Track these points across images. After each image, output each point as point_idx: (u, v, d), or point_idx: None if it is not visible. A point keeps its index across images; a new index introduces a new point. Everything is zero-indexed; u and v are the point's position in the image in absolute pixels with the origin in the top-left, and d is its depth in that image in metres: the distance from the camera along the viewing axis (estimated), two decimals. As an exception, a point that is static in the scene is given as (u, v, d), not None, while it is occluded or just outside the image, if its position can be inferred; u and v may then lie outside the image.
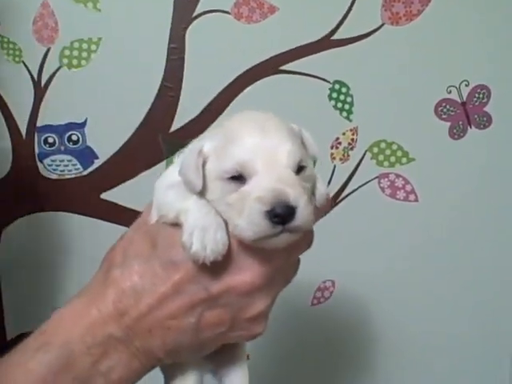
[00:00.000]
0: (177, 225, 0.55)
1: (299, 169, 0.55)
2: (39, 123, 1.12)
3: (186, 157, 0.57)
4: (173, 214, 0.56)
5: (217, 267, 0.54)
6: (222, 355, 0.67)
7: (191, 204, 0.55)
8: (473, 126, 1.17)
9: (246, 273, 0.56)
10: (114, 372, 0.56)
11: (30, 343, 0.56)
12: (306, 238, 0.60)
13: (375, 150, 1.17)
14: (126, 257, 0.58)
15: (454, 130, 1.17)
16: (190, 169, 0.55)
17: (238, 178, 0.53)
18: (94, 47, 1.09)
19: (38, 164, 1.13)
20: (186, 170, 0.56)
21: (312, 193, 0.59)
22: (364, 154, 1.17)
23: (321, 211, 0.61)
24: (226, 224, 0.55)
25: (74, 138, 1.12)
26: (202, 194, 0.56)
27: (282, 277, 0.60)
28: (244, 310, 0.57)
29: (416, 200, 1.19)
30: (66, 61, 1.10)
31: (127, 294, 0.56)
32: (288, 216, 0.51)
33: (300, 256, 0.63)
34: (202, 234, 0.53)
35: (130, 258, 0.57)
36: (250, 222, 0.51)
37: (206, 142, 0.56)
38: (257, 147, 0.53)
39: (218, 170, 0.54)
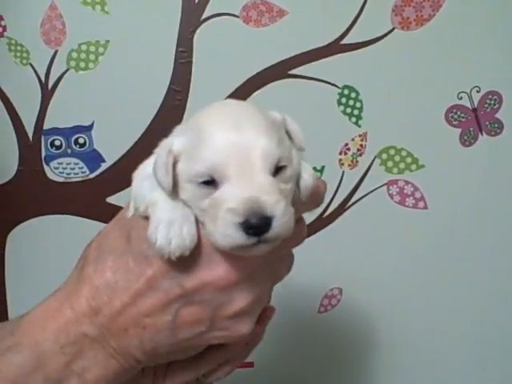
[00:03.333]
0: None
1: (278, 169, 0.51)
2: (46, 126, 1.11)
3: (157, 155, 0.54)
4: (144, 207, 0.53)
5: (190, 262, 0.52)
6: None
7: (159, 195, 0.53)
8: (484, 133, 1.15)
9: (220, 267, 0.53)
10: (89, 372, 0.54)
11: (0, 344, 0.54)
12: (296, 232, 0.56)
13: (384, 156, 1.15)
14: (100, 252, 0.56)
15: (465, 137, 1.15)
16: (160, 169, 0.52)
17: (211, 182, 0.50)
18: (101, 50, 1.09)
19: (45, 167, 1.13)
20: (156, 170, 0.53)
21: (296, 184, 0.55)
22: (373, 161, 1.15)
23: (307, 205, 0.58)
24: (196, 217, 0.52)
25: (81, 141, 1.12)
26: (175, 192, 0.53)
27: (268, 272, 0.57)
28: (223, 308, 0.55)
29: (425, 207, 1.17)
30: (73, 63, 1.09)
31: (100, 291, 0.54)
32: (263, 226, 0.48)
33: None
34: (167, 228, 0.50)
35: (104, 254, 0.55)
36: (222, 233, 0.49)
37: (175, 140, 0.53)
38: (228, 148, 0.49)
39: (189, 174, 0.51)
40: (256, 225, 0.48)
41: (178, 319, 0.54)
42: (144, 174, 0.56)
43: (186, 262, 0.52)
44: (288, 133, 0.56)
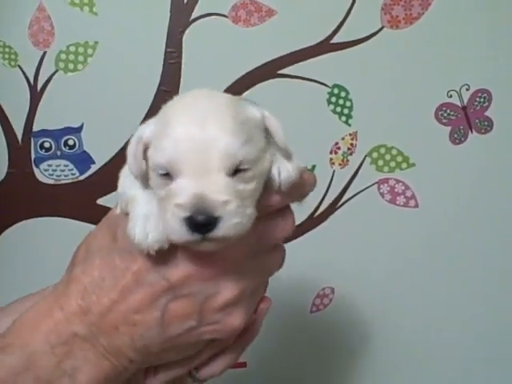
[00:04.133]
0: None
1: (239, 170, 0.50)
2: (35, 128, 1.11)
3: (130, 142, 0.55)
4: (125, 203, 0.54)
5: (172, 254, 0.53)
6: None
7: (137, 191, 0.54)
8: (474, 131, 1.16)
9: (201, 258, 0.53)
10: (80, 372, 0.54)
11: None
12: (284, 222, 0.57)
13: (375, 155, 1.15)
14: (88, 253, 0.57)
15: (455, 135, 1.16)
16: (130, 156, 0.53)
17: (168, 174, 0.50)
18: (90, 51, 1.08)
19: (34, 169, 1.12)
20: (127, 157, 0.54)
21: (278, 176, 0.54)
22: (363, 159, 1.16)
23: (291, 196, 0.57)
24: None
25: (71, 142, 1.11)
26: (147, 180, 0.54)
27: (256, 264, 0.57)
28: (210, 300, 0.55)
29: (416, 206, 1.17)
30: (62, 65, 1.09)
31: (89, 290, 0.54)
32: (209, 225, 0.48)
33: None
34: (144, 223, 0.51)
35: (92, 254, 0.56)
36: (169, 226, 0.49)
37: (147, 128, 0.53)
38: (187, 143, 0.49)
39: (152, 163, 0.52)
40: (200, 222, 0.47)
41: (166, 314, 0.54)
42: (128, 171, 0.56)
43: (168, 254, 0.53)
44: (268, 130, 0.54)
